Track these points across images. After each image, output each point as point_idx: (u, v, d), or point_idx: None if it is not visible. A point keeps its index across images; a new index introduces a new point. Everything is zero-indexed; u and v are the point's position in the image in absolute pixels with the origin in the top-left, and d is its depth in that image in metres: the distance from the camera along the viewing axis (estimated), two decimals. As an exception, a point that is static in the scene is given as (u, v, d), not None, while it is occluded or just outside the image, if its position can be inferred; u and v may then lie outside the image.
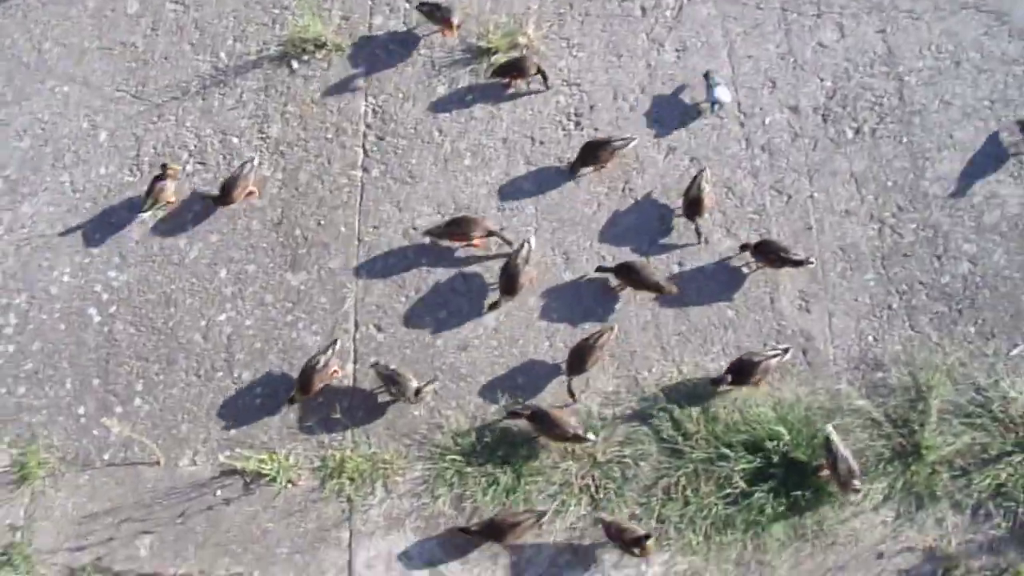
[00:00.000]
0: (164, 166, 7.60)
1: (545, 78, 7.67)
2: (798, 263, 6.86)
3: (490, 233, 7.23)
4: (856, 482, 6.23)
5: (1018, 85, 7.40)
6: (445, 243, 7.34)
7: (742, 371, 6.61)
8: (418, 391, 6.80)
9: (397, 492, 6.76)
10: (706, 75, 7.51)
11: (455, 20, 7.78)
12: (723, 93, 7.41)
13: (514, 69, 7.68)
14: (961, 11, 7.69)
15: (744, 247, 7.05)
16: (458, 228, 7.21)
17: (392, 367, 6.90)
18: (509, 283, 7.00)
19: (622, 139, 7.38)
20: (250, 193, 7.59)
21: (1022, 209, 7.05)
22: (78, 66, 8.30)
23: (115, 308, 7.45)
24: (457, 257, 7.37)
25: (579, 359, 6.73)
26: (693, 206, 7.11)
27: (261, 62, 8.18)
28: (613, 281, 7.13)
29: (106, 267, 7.58)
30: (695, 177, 7.12)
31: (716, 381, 6.65)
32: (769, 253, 6.93)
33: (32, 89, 8.24)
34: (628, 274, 7.01)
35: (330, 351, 6.91)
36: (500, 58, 7.86)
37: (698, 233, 7.18)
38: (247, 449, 6.92)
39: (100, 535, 6.81)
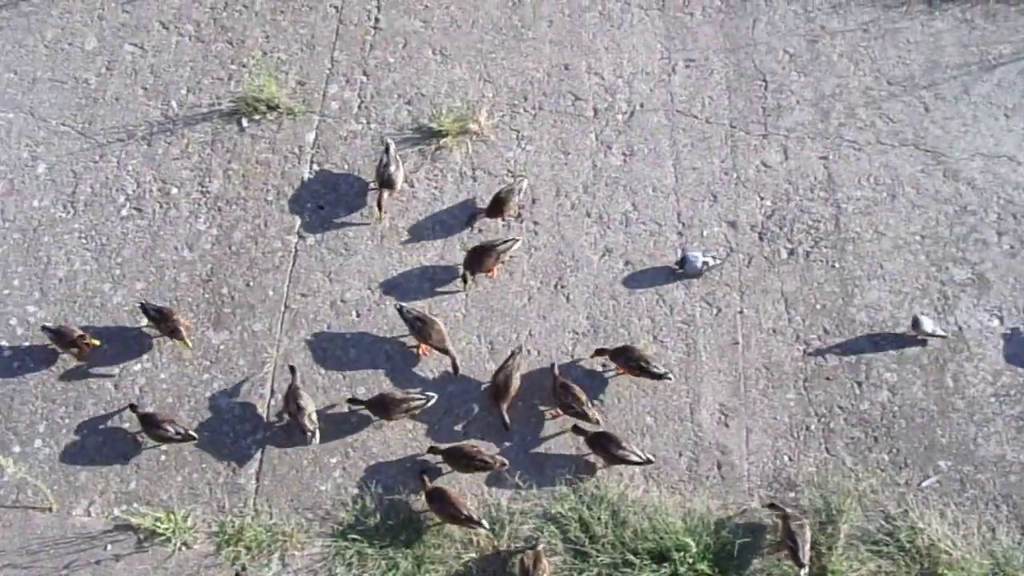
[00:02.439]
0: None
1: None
2: (657, 376, 6.88)
3: (444, 351, 7.02)
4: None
5: (948, 223, 7.58)
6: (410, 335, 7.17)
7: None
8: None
9: (294, 566, 6.59)
10: (682, 259, 7.38)
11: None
12: (696, 258, 7.32)
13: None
14: (901, 147, 7.90)
15: (601, 351, 7.04)
16: (423, 326, 6.99)
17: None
18: (381, 409, 6.88)
19: (505, 241, 7.36)
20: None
21: (943, 344, 7.17)
22: (26, 95, 8.22)
23: (28, 344, 7.25)
24: (379, 335, 7.32)
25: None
26: (501, 391, 6.86)
27: (211, 116, 8.14)
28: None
29: (24, 301, 7.41)
30: (508, 358, 6.94)
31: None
32: (629, 361, 6.93)
33: (-24, 111, 8.16)
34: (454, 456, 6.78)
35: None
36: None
37: (504, 423, 6.89)
38: (144, 505, 6.73)
39: (-21, 577, 6.54)
